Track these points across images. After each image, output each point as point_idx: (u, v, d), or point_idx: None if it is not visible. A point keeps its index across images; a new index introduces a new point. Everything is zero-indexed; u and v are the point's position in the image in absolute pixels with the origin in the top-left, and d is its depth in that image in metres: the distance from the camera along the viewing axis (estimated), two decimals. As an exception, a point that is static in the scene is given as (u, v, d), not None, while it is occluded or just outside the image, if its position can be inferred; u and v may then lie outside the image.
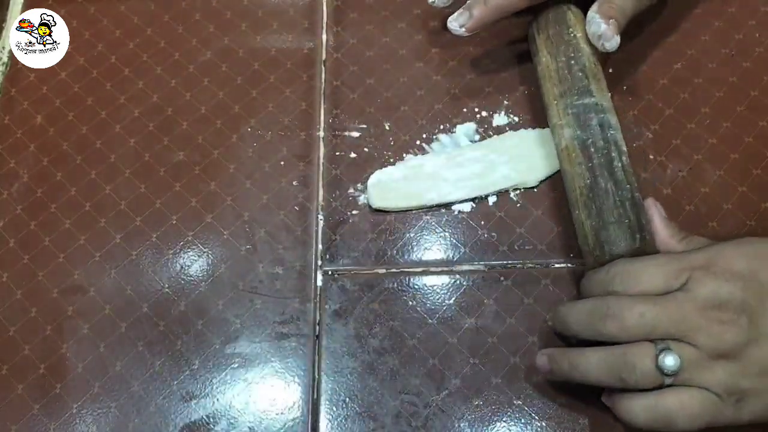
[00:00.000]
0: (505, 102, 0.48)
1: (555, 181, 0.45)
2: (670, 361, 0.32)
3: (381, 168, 0.45)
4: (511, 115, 0.47)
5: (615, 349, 0.34)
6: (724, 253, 0.34)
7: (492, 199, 0.45)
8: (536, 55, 0.46)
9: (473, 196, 0.44)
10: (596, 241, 0.38)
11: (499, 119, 0.47)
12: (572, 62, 0.43)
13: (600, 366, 0.34)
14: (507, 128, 0.47)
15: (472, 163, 0.45)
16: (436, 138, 0.47)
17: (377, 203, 0.44)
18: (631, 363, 0.33)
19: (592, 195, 0.39)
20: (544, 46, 0.45)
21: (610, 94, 0.43)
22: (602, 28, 0.42)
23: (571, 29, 0.44)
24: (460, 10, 0.45)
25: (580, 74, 0.43)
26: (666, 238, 0.38)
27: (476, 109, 0.47)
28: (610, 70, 0.48)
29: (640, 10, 0.44)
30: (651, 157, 0.45)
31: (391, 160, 0.46)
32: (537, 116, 0.47)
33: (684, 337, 0.32)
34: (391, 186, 0.44)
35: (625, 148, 0.41)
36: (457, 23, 0.44)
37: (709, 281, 0.33)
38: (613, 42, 0.42)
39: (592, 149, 0.40)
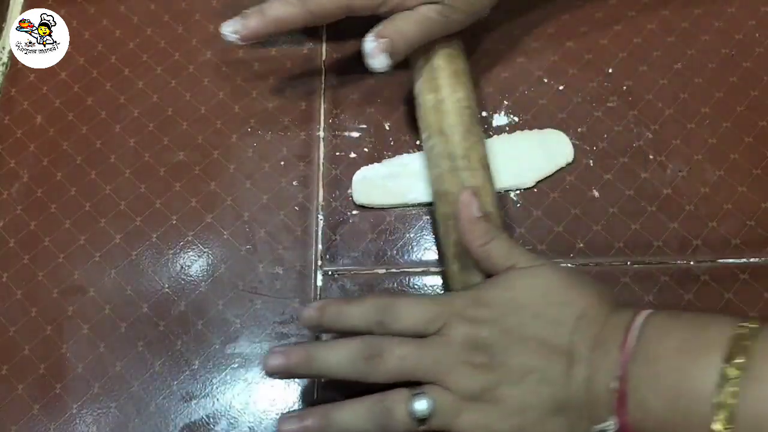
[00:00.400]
0: (505, 102, 0.48)
1: (555, 181, 0.45)
2: (420, 405, 0.32)
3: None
4: (511, 115, 0.47)
5: (372, 398, 0.33)
6: (480, 298, 0.34)
7: (492, 199, 0.45)
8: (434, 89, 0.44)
9: None
10: (461, 265, 0.39)
11: (499, 119, 0.47)
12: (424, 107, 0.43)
13: (362, 416, 0.33)
14: (507, 128, 0.47)
15: None
16: (436, 138, 0.47)
17: (361, 199, 0.44)
18: (388, 409, 0.33)
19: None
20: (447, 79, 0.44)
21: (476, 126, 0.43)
22: (368, 46, 0.41)
23: (432, 61, 0.44)
24: (237, 16, 0.42)
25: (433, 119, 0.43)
26: (469, 242, 0.37)
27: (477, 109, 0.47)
28: (610, 70, 0.48)
29: (430, 37, 0.42)
30: (651, 157, 0.45)
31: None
32: (537, 116, 0.47)
33: (440, 381, 0.33)
34: (376, 183, 0.45)
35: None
36: (230, 29, 0.42)
37: (461, 326, 0.33)
38: (376, 61, 0.41)
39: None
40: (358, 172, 0.45)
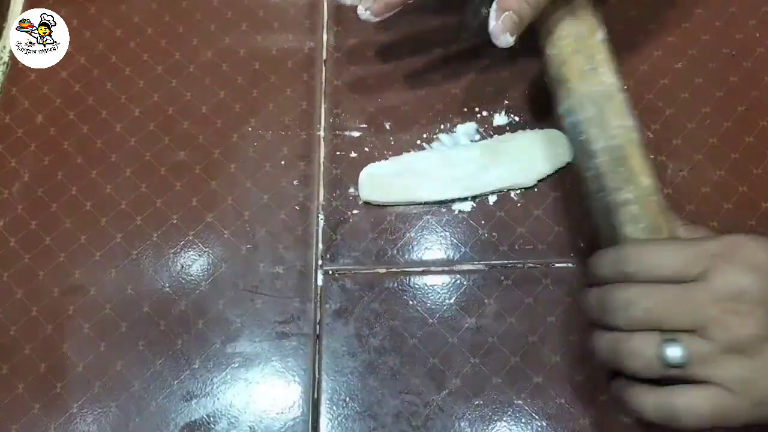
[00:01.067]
0: (506, 102, 0.48)
1: (555, 182, 0.45)
2: (675, 352, 0.31)
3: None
4: (512, 115, 0.47)
5: (622, 335, 0.32)
6: (743, 243, 0.32)
7: (492, 199, 0.45)
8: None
9: (465, 195, 0.44)
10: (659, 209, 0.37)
11: (500, 119, 0.47)
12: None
13: (605, 349, 0.33)
14: (507, 128, 0.47)
15: (466, 163, 0.45)
16: (436, 137, 0.47)
17: (366, 196, 0.45)
18: (632, 351, 0.32)
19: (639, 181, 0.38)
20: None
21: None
22: (491, 25, 0.39)
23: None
24: None
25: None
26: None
27: (477, 109, 0.47)
28: (611, 70, 0.48)
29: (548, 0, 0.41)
30: (651, 156, 0.45)
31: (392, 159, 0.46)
32: (537, 116, 0.47)
33: (697, 328, 0.31)
34: (382, 180, 0.45)
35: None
36: (363, 6, 0.41)
37: (729, 270, 0.31)
38: (501, 41, 0.39)
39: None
40: (364, 169, 0.45)
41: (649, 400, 0.32)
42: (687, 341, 0.31)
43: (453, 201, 0.44)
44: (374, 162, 0.46)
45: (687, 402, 0.31)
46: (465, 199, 0.44)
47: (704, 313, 0.31)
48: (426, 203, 0.45)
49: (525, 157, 0.45)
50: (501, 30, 0.39)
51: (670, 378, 0.31)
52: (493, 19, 0.39)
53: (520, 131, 0.46)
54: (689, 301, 0.31)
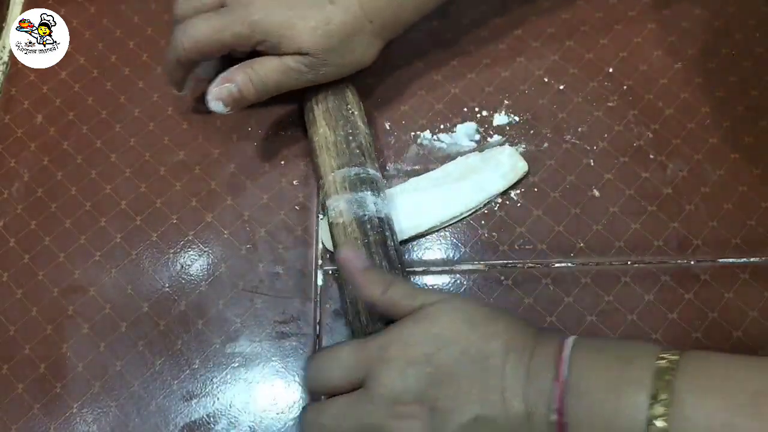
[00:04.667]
0: (506, 102, 0.48)
1: (556, 181, 0.45)
2: None
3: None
4: (512, 115, 0.47)
5: None
6: (399, 338, 0.33)
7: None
8: (313, 125, 0.44)
9: (433, 225, 0.44)
10: (368, 317, 0.38)
11: (500, 119, 0.47)
12: (350, 138, 0.43)
13: None
14: (507, 128, 0.47)
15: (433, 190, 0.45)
16: (436, 137, 0.47)
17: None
18: None
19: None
20: (322, 117, 0.44)
21: (380, 174, 0.43)
22: (210, 89, 0.41)
23: (349, 106, 0.44)
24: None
25: (357, 151, 0.42)
26: (369, 296, 0.35)
27: (476, 109, 0.47)
28: (610, 70, 0.48)
29: (292, 86, 0.42)
30: (651, 156, 0.45)
31: (392, 158, 0.46)
32: (537, 116, 0.47)
33: None
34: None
35: (395, 228, 0.41)
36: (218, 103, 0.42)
37: (384, 375, 0.32)
38: (212, 105, 0.41)
39: (368, 226, 0.40)
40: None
41: None
42: None
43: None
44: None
45: None
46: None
47: (371, 423, 0.32)
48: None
49: (476, 179, 0.44)
50: (215, 96, 0.41)
51: None
52: (214, 85, 0.41)
53: (471, 154, 0.46)
54: (356, 413, 0.32)
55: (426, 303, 0.33)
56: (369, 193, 0.41)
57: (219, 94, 0.41)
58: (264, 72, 0.41)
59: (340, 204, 0.41)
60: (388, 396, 0.32)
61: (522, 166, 0.45)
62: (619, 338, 0.40)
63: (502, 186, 0.44)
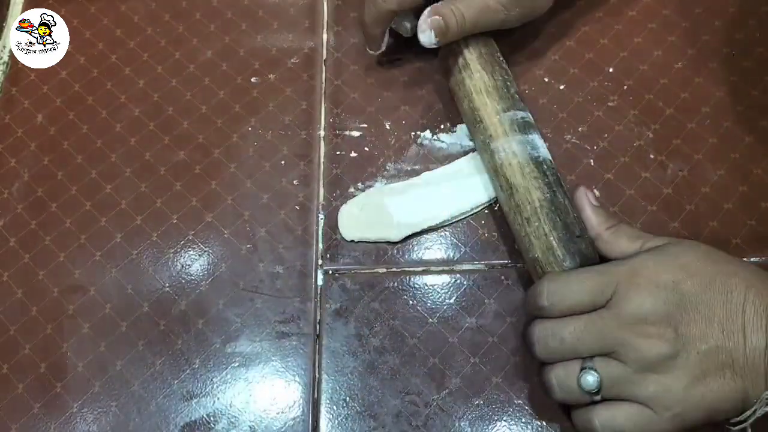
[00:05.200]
0: (506, 101, 0.48)
1: (555, 181, 0.45)
2: (588, 380, 0.33)
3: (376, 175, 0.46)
4: (512, 115, 0.47)
5: (545, 368, 0.36)
6: (646, 264, 0.34)
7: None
8: (465, 69, 0.44)
9: (439, 222, 0.44)
10: (565, 252, 0.37)
11: (500, 119, 0.47)
12: (508, 84, 0.43)
13: (541, 383, 0.36)
14: (507, 128, 0.47)
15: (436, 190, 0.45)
16: (436, 137, 0.47)
17: (347, 235, 0.44)
18: (556, 383, 0.35)
19: (554, 209, 0.38)
20: (477, 62, 0.44)
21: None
22: (421, 19, 0.42)
23: (498, 54, 0.45)
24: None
25: (518, 96, 0.43)
26: (596, 227, 0.38)
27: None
28: (610, 70, 0.48)
29: (487, 27, 0.44)
30: (651, 156, 0.45)
31: (392, 158, 0.46)
32: (538, 115, 0.47)
33: (611, 353, 0.33)
34: (359, 218, 0.44)
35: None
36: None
37: (633, 295, 0.33)
38: (425, 36, 0.43)
39: (544, 167, 0.40)
40: (342, 207, 0.45)
41: (577, 419, 0.35)
42: (601, 366, 0.34)
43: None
44: (375, 163, 0.46)
45: (603, 419, 0.34)
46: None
47: (615, 338, 0.33)
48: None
49: (469, 184, 0.45)
50: (428, 25, 0.42)
51: (594, 402, 0.34)
52: (424, 17, 0.42)
53: (473, 154, 0.46)
54: (600, 329, 0.34)
55: (646, 245, 0.36)
56: (537, 135, 0.42)
57: (431, 24, 0.42)
58: (465, 9, 0.42)
59: (512, 145, 0.41)
60: (636, 314, 0.33)
61: None
62: None
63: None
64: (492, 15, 0.43)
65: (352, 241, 0.44)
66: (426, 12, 0.42)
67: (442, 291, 0.42)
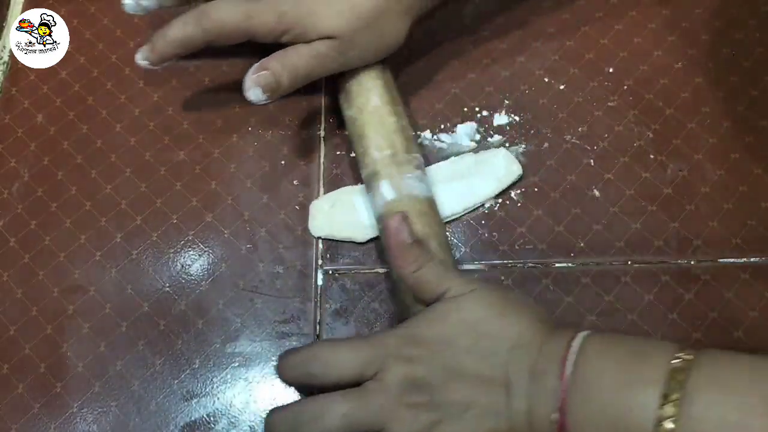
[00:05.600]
0: (506, 102, 0.48)
1: (556, 181, 0.45)
2: None
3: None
4: (512, 115, 0.47)
5: None
6: (412, 335, 0.34)
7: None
8: (363, 95, 0.44)
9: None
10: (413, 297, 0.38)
11: (500, 119, 0.47)
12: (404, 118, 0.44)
13: None
14: (507, 127, 0.47)
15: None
16: (437, 137, 0.47)
17: (316, 231, 0.44)
18: None
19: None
20: (383, 90, 0.44)
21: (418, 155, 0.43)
22: (247, 77, 0.40)
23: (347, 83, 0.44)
24: (146, 44, 0.42)
25: (412, 133, 0.44)
26: (400, 268, 0.36)
27: (477, 109, 0.47)
28: (610, 70, 0.48)
29: (324, 72, 0.43)
30: (651, 156, 0.45)
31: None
32: (537, 115, 0.47)
33: (384, 427, 0.32)
34: (332, 214, 0.44)
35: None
36: (140, 56, 0.42)
37: (396, 367, 0.33)
38: (250, 93, 0.40)
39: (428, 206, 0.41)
40: (312, 203, 0.45)
41: None
42: None
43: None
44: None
45: None
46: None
47: (385, 413, 0.32)
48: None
49: (472, 181, 0.44)
50: (255, 82, 0.40)
51: None
52: (251, 73, 0.40)
53: (465, 155, 0.46)
54: (372, 402, 0.32)
55: (448, 292, 0.35)
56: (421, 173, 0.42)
57: (258, 81, 0.40)
58: (296, 59, 0.41)
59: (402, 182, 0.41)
60: (400, 385, 0.33)
61: (516, 170, 0.44)
62: (635, 336, 0.38)
63: (495, 189, 0.44)
64: (326, 60, 0.41)
65: (319, 238, 0.44)
66: (253, 68, 0.40)
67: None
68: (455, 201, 0.44)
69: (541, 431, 0.31)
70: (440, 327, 0.34)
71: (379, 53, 0.43)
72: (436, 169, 0.45)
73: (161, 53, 0.42)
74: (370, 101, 0.43)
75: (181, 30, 0.41)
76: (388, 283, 0.42)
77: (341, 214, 0.44)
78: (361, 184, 0.44)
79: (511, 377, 0.32)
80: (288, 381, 0.36)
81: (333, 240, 0.44)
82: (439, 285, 0.35)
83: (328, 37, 0.41)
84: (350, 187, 0.45)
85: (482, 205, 0.44)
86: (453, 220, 0.44)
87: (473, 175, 0.44)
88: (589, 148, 0.46)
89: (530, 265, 0.43)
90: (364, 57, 0.43)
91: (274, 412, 0.34)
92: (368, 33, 0.41)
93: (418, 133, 0.47)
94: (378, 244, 0.44)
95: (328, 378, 0.34)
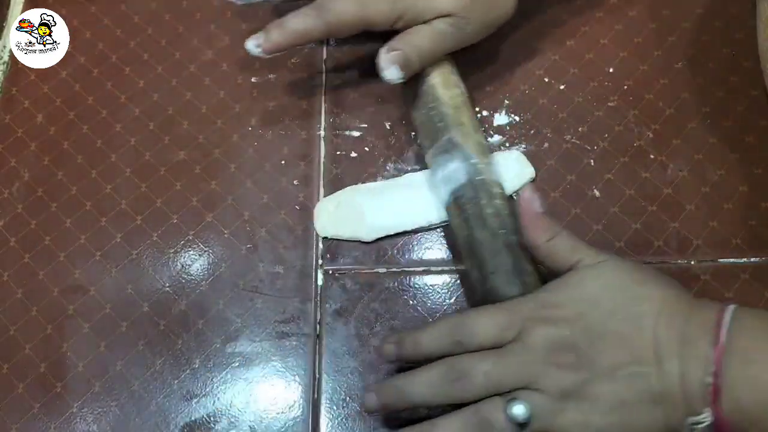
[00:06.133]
0: (506, 102, 0.48)
1: (556, 181, 0.45)
2: (519, 410, 0.32)
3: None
4: (512, 115, 0.47)
5: (467, 411, 0.33)
6: (551, 300, 0.35)
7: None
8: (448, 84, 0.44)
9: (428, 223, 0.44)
10: (483, 291, 0.38)
11: (500, 119, 0.47)
12: (432, 113, 0.43)
13: (460, 427, 0.33)
14: (507, 127, 0.47)
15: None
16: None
17: (322, 230, 0.44)
18: (485, 420, 0.33)
19: (471, 246, 0.39)
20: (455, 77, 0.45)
21: (480, 131, 0.43)
22: (382, 58, 0.41)
23: (426, 77, 0.44)
24: (260, 31, 0.43)
25: (441, 124, 0.42)
26: (533, 238, 0.37)
27: (477, 109, 0.47)
28: (610, 70, 0.48)
29: (445, 50, 0.44)
30: (651, 156, 0.45)
31: (392, 158, 0.46)
32: (537, 115, 0.47)
33: (530, 385, 0.33)
34: (338, 213, 0.44)
35: (497, 190, 0.41)
36: (253, 43, 0.43)
37: (540, 329, 0.33)
38: (389, 72, 0.41)
39: (463, 200, 0.40)
40: (318, 203, 0.45)
41: None
42: (526, 397, 0.33)
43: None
44: (375, 163, 0.46)
45: None
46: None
47: (531, 370, 0.33)
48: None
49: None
50: (392, 61, 0.41)
51: None
52: (383, 53, 0.42)
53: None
54: (516, 360, 0.33)
55: (582, 262, 0.35)
56: (458, 165, 0.41)
57: (394, 59, 0.41)
58: (418, 40, 0.42)
59: (440, 188, 0.42)
60: (545, 346, 0.33)
61: (529, 172, 0.44)
62: None
63: (507, 191, 0.44)
64: (446, 38, 0.43)
65: (326, 237, 0.44)
66: (383, 49, 0.42)
67: (442, 291, 0.42)
68: (434, 211, 0.43)
69: (692, 393, 0.31)
70: (580, 291, 0.34)
71: (492, 26, 0.45)
72: (418, 177, 0.45)
73: (277, 43, 0.43)
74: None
75: (302, 22, 0.42)
76: (389, 283, 0.42)
77: (347, 214, 0.44)
78: (362, 183, 0.45)
79: (660, 341, 0.32)
80: (433, 350, 0.35)
81: (338, 240, 0.44)
82: (573, 254, 0.36)
83: (445, 15, 0.42)
84: (355, 186, 0.45)
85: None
86: (432, 229, 0.44)
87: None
88: (589, 148, 0.46)
89: (530, 265, 0.43)
90: (479, 31, 0.44)
91: (409, 376, 0.35)
92: (481, 6, 0.43)
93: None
94: (380, 245, 0.44)
95: (471, 345, 0.34)
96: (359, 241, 0.44)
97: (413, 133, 0.47)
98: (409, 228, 0.43)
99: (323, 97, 0.49)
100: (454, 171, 0.41)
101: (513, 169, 0.44)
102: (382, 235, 0.43)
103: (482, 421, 0.33)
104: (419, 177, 0.45)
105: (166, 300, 0.43)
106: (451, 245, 0.43)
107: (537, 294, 0.36)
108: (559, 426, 0.32)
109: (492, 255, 0.38)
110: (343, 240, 0.44)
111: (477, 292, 0.39)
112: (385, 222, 0.43)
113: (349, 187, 0.45)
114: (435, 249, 0.44)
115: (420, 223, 0.43)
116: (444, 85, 0.44)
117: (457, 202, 0.40)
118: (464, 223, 0.40)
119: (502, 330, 0.34)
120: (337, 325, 0.42)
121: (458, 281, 0.43)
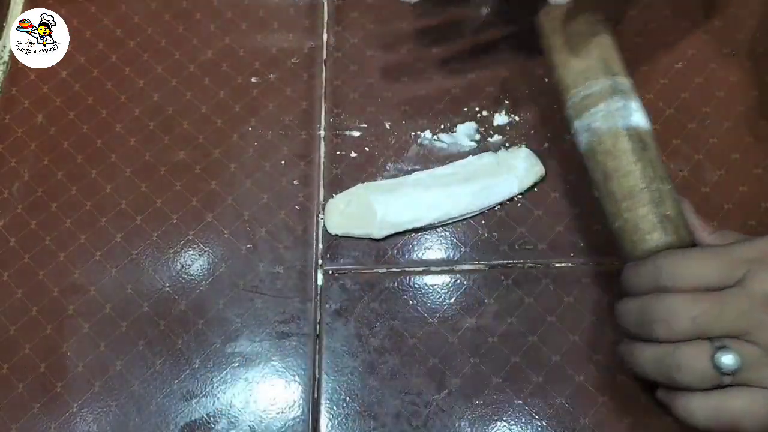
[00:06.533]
0: (506, 101, 0.48)
1: (556, 181, 0.45)
2: (729, 360, 0.30)
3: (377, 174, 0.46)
4: (512, 115, 0.47)
5: (666, 348, 0.32)
6: None
7: (492, 199, 0.45)
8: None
9: (440, 220, 0.44)
10: (663, 229, 0.35)
11: (500, 119, 0.47)
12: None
13: (649, 364, 0.32)
14: (507, 128, 0.47)
15: (441, 187, 0.44)
16: (437, 137, 0.47)
17: (333, 229, 0.44)
18: (683, 363, 0.31)
19: (654, 188, 0.36)
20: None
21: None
22: None
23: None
24: None
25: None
26: (698, 229, 0.36)
27: (477, 109, 0.47)
28: (611, 70, 0.48)
29: None
30: (651, 156, 0.45)
31: (392, 158, 0.46)
32: (538, 116, 0.47)
33: (743, 334, 0.31)
34: (351, 211, 0.44)
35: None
36: None
37: (764, 274, 0.31)
38: None
39: (648, 140, 0.38)
40: (329, 201, 0.45)
41: (703, 407, 0.31)
42: (737, 347, 0.31)
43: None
44: (375, 163, 0.46)
45: (745, 405, 0.30)
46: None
47: (751, 319, 0.31)
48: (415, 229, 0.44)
49: (495, 180, 0.44)
50: None
51: (719, 386, 0.31)
52: None
53: (484, 155, 0.46)
54: (732, 308, 0.31)
55: None
56: (634, 104, 0.41)
57: None
58: None
59: (615, 121, 0.39)
60: None
61: (539, 170, 0.44)
62: None
63: (516, 189, 0.44)
64: None
65: (336, 235, 0.44)
66: None
67: (442, 291, 0.42)
68: (473, 200, 0.44)
69: None
70: None
71: None
72: (428, 175, 0.45)
73: None
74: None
75: None
76: (389, 283, 0.42)
77: (358, 212, 0.44)
78: (370, 181, 0.45)
79: None
80: (633, 291, 0.34)
81: (349, 237, 0.44)
82: (745, 239, 0.34)
83: None
84: (365, 183, 0.45)
85: (473, 215, 0.44)
86: (441, 225, 0.44)
87: (494, 174, 0.44)
88: (589, 148, 0.46)
89: (530, 265, 0.43)
90: None
91: (622, 303, 0.34)
92: None
93: (418, 133, 0.47)
94: (380, 245, 0.44)
95: (681, 288, 0.32)
96: (370, 238, 0.44)
97: (413, 133, 0.47)
98: (418, 225, 0.43)
99: (323, 97, 0.49)
100: (629, 112, 0.39)
101: (522, 168, 0.44)
102: (392, 232, 0.43)
103: (679, 363, 0.31)
104: (429, 176, 0.45)
105: (166, 300, 0.43)
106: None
107: (757, 240, 0.33)
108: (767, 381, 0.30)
109: (674, 199, 0.36)
110: (353, 237, 0.44)
111: (655, 234, 0.36)
112: (395, 219, 0.44)
113: (359, 185, 0.45)
114: (435, 249, 0.44)
115: (429, 221, 0.43)
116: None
117: (638, 142, 0.38)
118: (649, 164, 0.37)
119: (722, 273, 0.32)
120: (337, 325, 0.42)
121: (458, 281, 0.43)
